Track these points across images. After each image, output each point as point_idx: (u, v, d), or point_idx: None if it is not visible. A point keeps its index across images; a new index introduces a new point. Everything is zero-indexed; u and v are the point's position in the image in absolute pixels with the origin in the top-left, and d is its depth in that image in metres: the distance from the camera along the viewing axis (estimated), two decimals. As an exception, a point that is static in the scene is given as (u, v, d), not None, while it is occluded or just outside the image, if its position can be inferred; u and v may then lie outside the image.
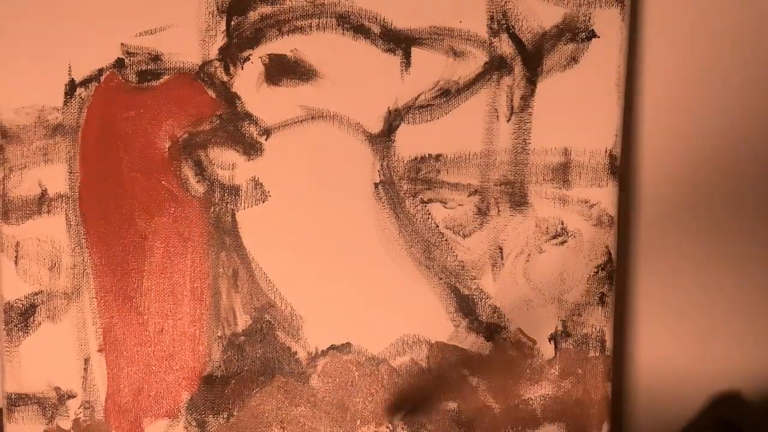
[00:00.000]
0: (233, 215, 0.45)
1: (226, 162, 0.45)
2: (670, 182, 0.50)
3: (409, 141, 0.45)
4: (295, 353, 0.45)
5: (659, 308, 0.51)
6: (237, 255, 0.45)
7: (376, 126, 0.45)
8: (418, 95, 0.44)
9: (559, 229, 0.45)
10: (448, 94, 0.44)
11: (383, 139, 0.45)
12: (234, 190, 0.45)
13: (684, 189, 0.50)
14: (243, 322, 0.45)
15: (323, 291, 0.45)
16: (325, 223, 0.45)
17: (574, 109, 0.45)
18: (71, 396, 0.45)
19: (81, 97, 0.44)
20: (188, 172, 0.45)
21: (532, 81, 0.44)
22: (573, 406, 0.45)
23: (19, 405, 0.45)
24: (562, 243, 0.45)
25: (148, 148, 0.45)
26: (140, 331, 0.45)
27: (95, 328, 0.45)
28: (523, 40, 0.44)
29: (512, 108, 0.45)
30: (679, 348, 0.51)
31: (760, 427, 0.48)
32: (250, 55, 0.44)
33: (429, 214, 0.45)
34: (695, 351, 0.51)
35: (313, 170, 0.45)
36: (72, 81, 0.44)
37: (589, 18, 0.44)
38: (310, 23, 0.44)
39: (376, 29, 0.44)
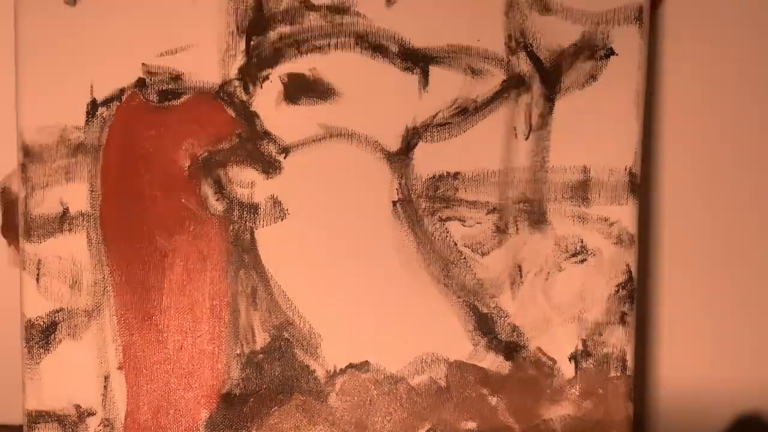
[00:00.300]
0: (252, 233, 0.45)
1: (245, 180, 0.45)
2: (691, 199, 0.50)
3: (427, 159, 0.45)
4: (314, 371, 0.45)
5: (681, 328, 0.50)
6: (256, 273, 0.45)
7: (394, 144, 0.45)
8: (436, 113, 0.44)
9: (578, 248, 0.45)
10: (466, 112, 0.44)
11: (401, 157, 0.45)
12: (253, 208, 0.45)
13: (705, 206, 0.50)
14: (261, 339, 0.45)
15: (341, 309, 0.45)
16: (343, 241, 0.45)
17: (593, 127, 0.44)
18: (91, 413, 0.45)
19: (102, 117, 0.45)
20: (208, 190, 0.45)
21: (550, 99, 0.44)
22: (594, 426, 0.45)
23: (39, 422, 0.45)
24: (582, 261, 0.45)
25: (168, 167, 0.45)
26: (160, 349, 0.45)
27: (115, 345, 0.45)
28: (541, 58, 0.44)
29: (530, 126, 0.44)
30: (701, 368, 0.50)
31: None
32: (270, 74, 0.45)
33: (447, 232, 0.45)
34: (718, 371, 0.50)
35: (332, 188, 0.45)
36: (94, 100, 0.45)
37: (608, 36, 0.44)
38: (329, 42, 0.44)
39: (394, 48, 0.44)
